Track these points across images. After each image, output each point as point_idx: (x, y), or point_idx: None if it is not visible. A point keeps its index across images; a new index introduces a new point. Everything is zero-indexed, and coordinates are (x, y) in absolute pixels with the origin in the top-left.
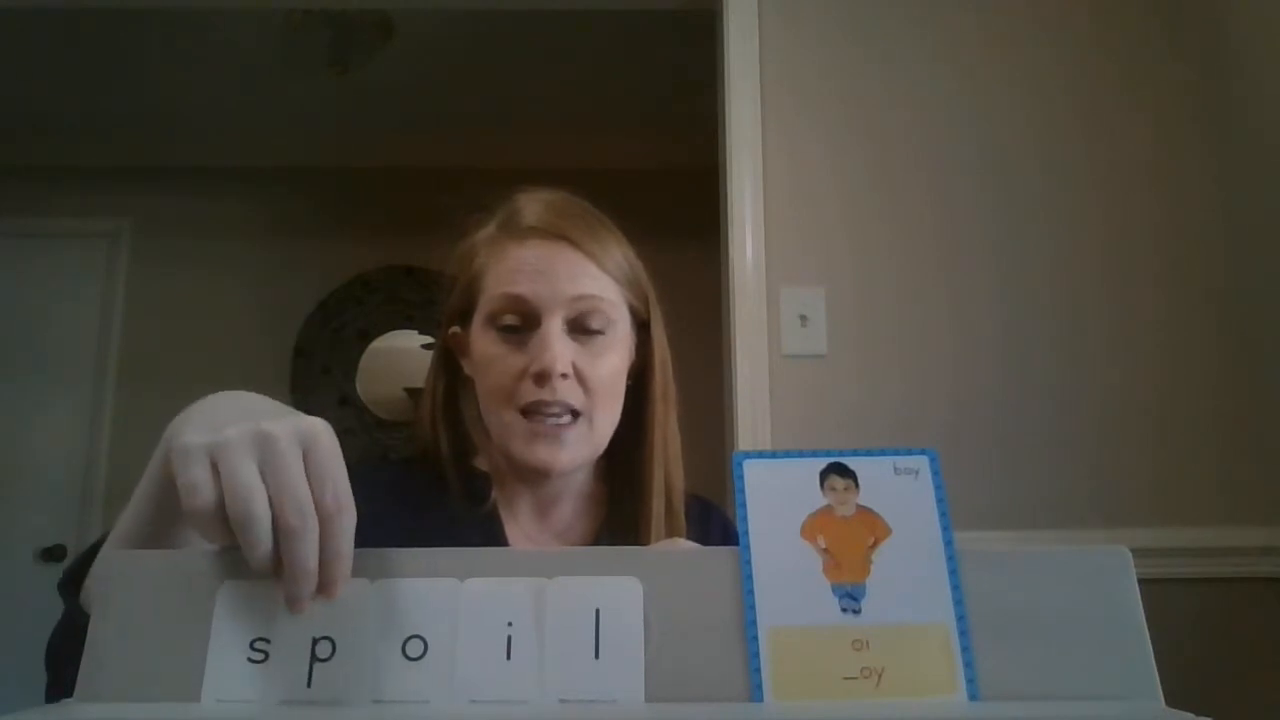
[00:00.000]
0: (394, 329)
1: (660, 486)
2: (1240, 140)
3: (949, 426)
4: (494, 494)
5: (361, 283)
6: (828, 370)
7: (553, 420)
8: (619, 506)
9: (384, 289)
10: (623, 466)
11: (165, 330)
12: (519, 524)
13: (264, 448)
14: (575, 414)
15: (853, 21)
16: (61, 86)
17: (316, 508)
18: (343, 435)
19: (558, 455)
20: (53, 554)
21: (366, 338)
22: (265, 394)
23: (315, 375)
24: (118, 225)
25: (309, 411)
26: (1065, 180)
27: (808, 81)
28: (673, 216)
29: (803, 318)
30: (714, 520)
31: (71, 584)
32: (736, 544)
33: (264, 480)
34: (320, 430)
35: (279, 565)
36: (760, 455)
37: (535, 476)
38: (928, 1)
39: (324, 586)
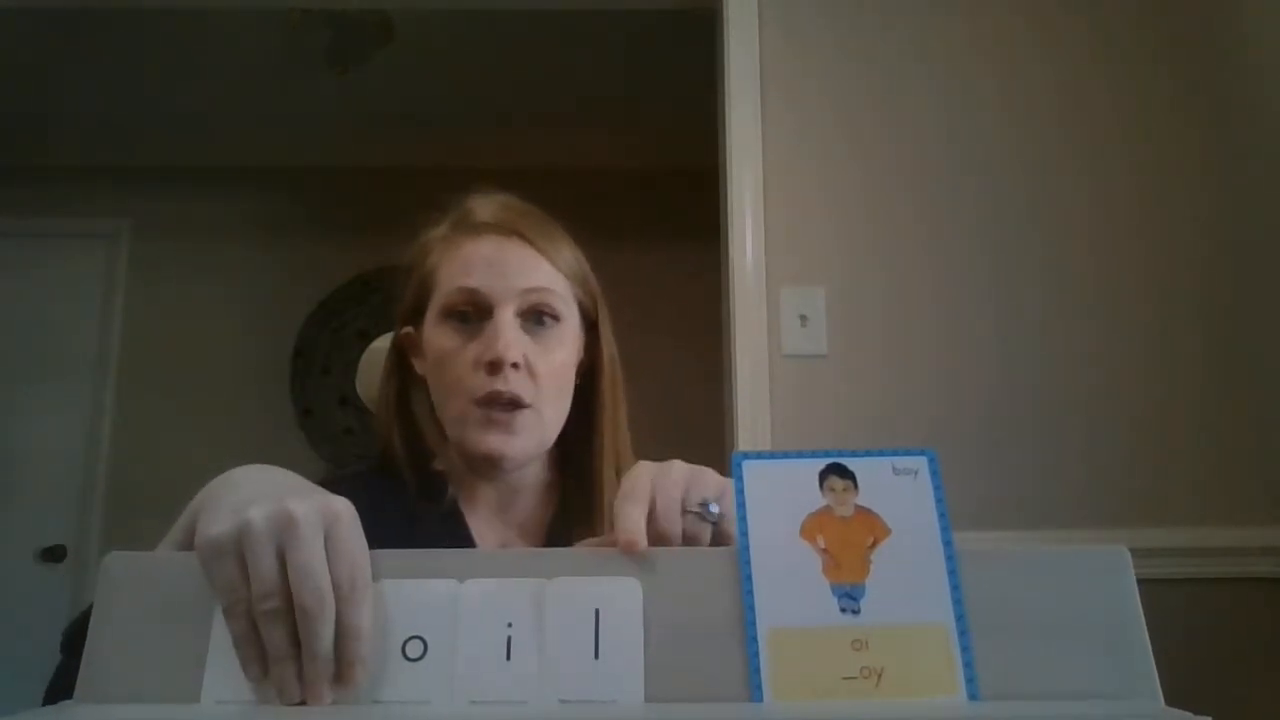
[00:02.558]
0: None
1: (611, 478)
2: (1228, 141)
3: (948, 426)
4: (451, 491)
5: (361, 283)
6: (828, 370)
7: (504, 410)
8: (571, 497)
9: (383, 289)
10: (574, 459)
11: (165, 330)
12: (480, 518)
13: (285, 529)
14: (525, 405)
15: (851, 23)
16: (61, 86)
17: (335, 588)
18: (343, 435)
19: (509, 443)
20: (53, 554)
21: (366, 338)
22: (265, 394)
23: (315, 375)
24: (117, 226)
25: (309, 411)
26: (1056, 183)
27: (807, 82)
28: (672, 216)
29: (803, 318)
30: None
31: (72, 644)
32: None
33: (284, 561)
34: (342, 511)
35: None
36: (760, 455)
37: (488, 467)
38: (923, 6)
39: (340, 669)
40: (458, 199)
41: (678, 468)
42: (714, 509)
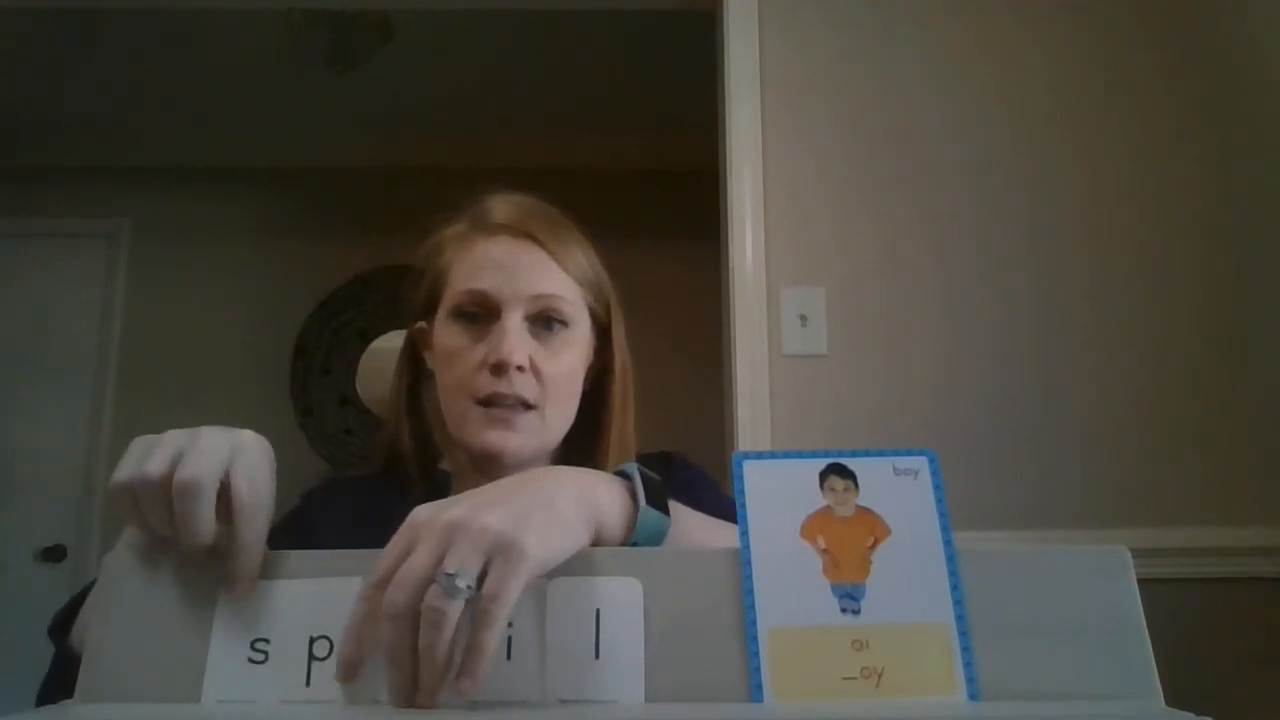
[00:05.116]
0: (394, 329)
1: None
2: (1228, 142)
3: (948, 426)
4: (453, 488)
5: (361, 283)
6: (828, 370)
7: (507, 409)
8: None
9: (383, 289)
10: (579, 463)
11: (165, 330)
12: None
13: (188, 437)
14: (529, 406)
15: (851, 24)
16: (61, 86)
17: (234, 504)
18: (343, 435)
19: (509, 440)
20: (53, 554)
21: (366, 338)
22: (265, 394)
23: (315, 375)
24: (118, 225)
25: (309, 411)
26: (1056, 183)
27: (807, 83)
28: (673, 217)
29: (803, 318)
30: (675, 463)
31: (60, 629)
32: (701, 485)
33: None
34: (250, 441)
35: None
36: (760, 456)
37: (488, 464)
38: (923, 7)
39: (230, 584)
40: (476, 196)
41: (443, 521)
42: (462, 583)
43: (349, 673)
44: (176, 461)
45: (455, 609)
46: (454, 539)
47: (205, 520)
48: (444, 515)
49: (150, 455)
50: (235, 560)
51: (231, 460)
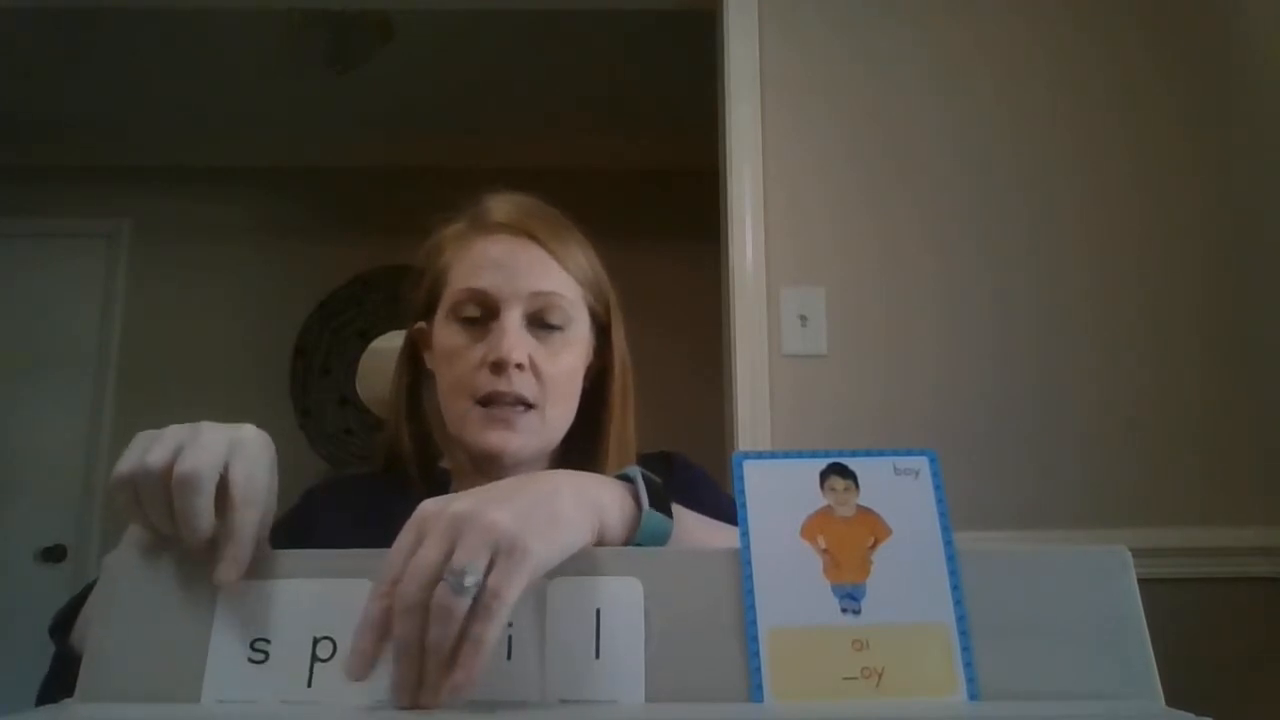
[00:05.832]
0: (394, 329)
1: None
2: (1227, 142)
3: (948, 426)
4: (453, 486)
5: (361, 283)
6: (827, 370)
7: (507, 408)
8: None
9: (383, 289)
10: (579, 462)
11: (165, 330)
12: None
13: (189, 432)
14: (529, 405)
15: (851, 23)
16: (61, 86)
17: (228, 494)
18: (343, 435)
19: (509, 440)
20: (53, 554)
21: (366, 338)
22: (265, 394)
23: (315, 375)
24: (117, 225)
25: (308, 411)
26: (1055, 183)
27: (807, 83)
28: (673, 217)
29: (803, 318)
30: (676, 463)
31: (61, 629)
32: (701, 485)
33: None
34: (251, 433)
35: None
36: (760, 456)
37: (488, 464)
38: (923, 7)
39: (221, 568)
40: (476, 196)
41: (450, 515)
42: (470, 581)
43: (363, 668)
44: (177, 455)
45: (462, 605)
46: (462, 532)
47: (204, 513)
48: (451, 508)
49: (151, 449)
50: (225, 547)
51: (230, 454)
